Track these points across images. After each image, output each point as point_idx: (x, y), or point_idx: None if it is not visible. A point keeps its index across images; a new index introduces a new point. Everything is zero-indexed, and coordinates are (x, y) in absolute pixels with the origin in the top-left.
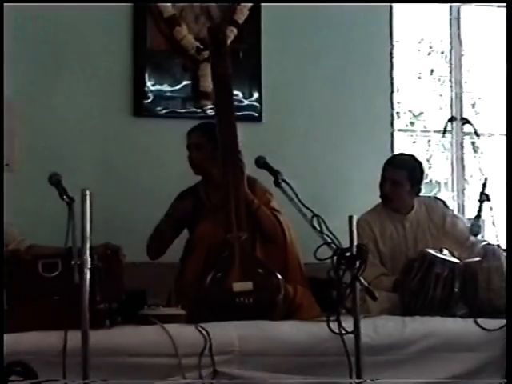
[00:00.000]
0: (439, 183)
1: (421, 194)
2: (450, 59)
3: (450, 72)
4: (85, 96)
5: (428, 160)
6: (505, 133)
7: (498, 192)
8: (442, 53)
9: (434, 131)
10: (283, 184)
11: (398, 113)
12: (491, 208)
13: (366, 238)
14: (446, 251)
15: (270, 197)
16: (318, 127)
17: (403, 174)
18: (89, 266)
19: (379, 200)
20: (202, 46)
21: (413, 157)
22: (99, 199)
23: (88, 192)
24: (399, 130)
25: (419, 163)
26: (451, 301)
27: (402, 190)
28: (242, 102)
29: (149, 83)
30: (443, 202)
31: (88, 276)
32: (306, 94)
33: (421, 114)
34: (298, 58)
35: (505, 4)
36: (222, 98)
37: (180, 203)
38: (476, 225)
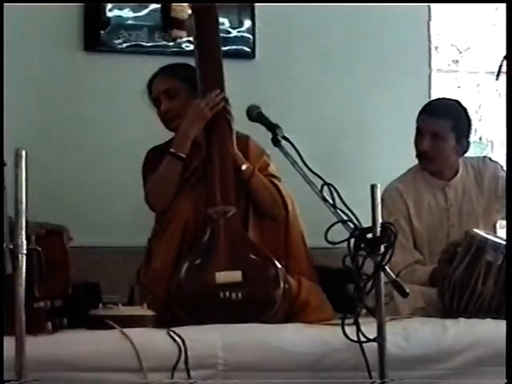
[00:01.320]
0: (491, 142)
1: (467, 155)
2: None
3: None
4: (22, 26)
5: (477, 111)
6: None
7: None
8: None
9: (486, 72)
10: (283, 142)
11: (437, 48)
12: None
13: (397, 214)
14: (500, 234)
15: (267, 160)
16: (330, 67)
17: (446, 123)
18: (24, 252)
19: (414, 162)
20: None
21: (457, 102)
22: (38, 162)
23: (24, 153)
24: (439, 71)
25: (465, 110)
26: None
27: (445, 145)
28: (229, 32)
29: (105, 8)
30: (496, 162)
31: (24, 264)
32: (315, 22)
33: (467, 49)
34: None
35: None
36: (204, 29)
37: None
38: None
